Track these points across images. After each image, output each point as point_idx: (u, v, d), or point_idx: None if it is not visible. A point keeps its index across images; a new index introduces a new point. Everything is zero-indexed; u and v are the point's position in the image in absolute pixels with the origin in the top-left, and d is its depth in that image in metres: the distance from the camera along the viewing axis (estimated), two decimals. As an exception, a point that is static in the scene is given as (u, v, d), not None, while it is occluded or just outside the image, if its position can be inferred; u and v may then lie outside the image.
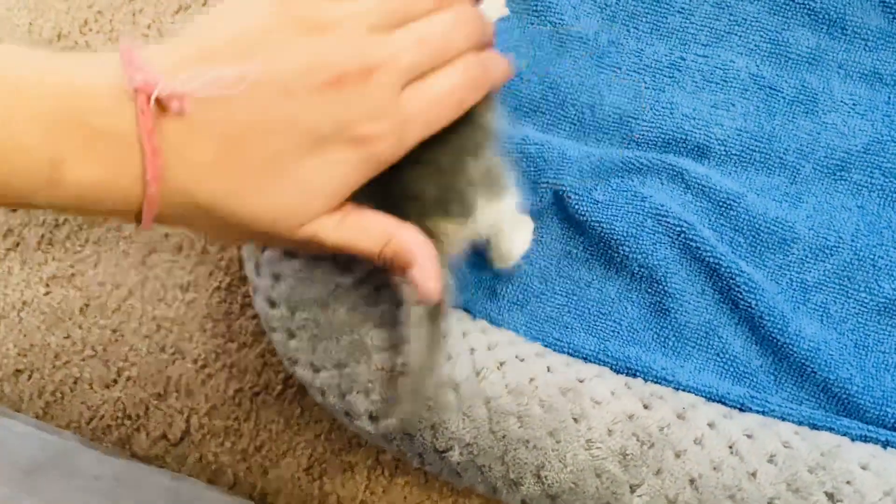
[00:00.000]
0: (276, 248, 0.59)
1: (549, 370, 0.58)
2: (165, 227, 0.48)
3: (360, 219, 0.50)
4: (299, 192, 0.47)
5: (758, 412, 0.61)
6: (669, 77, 0.69)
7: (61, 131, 0.43)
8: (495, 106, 0.56)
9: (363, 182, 0.49)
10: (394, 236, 0.50)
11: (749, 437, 0.56)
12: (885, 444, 0.59)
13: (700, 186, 0.66)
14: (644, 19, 0.70)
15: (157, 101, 0.43)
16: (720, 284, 0.64)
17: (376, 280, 0.59)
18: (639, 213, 0.65)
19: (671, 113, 0.68)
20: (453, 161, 0.54)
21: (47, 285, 0.75)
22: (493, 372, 0.57)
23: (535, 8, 0.71)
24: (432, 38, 0.50)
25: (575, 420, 0.55)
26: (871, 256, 0.65)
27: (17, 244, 0.75)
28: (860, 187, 0.67)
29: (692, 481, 0.54)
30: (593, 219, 0.65)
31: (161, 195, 0.44)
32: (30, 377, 0.73)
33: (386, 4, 0.49)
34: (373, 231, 0.50)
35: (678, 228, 0.65)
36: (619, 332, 0.65)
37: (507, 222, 0.59)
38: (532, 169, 0.66)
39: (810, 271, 0.65)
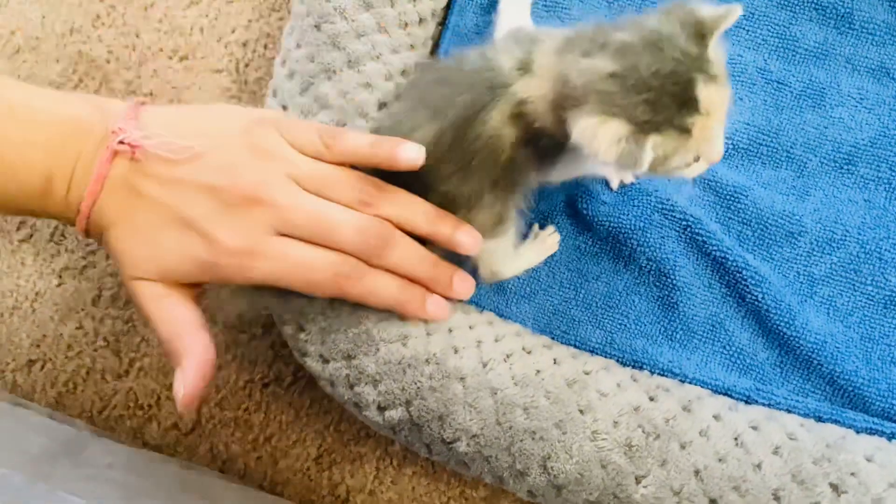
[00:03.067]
0: None
1: (555, 362, 0.59)
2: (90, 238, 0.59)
3: (173, 306, 0.57)
4: (144, 250, 0.56)
5: (763, 404, 0.61)
6: (677, 71, 0.69)
7: (58, 155, 0.55)
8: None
9: (197, 278, 0.57)
10: (179, 338, 0.56)
11: (754, 429, 0.56)
12: (891, 437, 0.59)
13: (706, 180, 0.66)
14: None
15: (122, 143, 0.55)
16: (727, 278, 0.65)
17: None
18: (646, 207, 0.65)
19: (679, 107, 0.69)
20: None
21: (60, 276, 0.75)
22: (500, 364, 0.57)
23: (543, 2, 0.71)
24: (329, 219, 0.56)
25: (581, 412, 0.56)
26: (878, 250, 0.65)
27: (31, 235, 0.76)
28: (867, 181, 0.67)
29: (697, 472, 0.54)
30: (601, 212, 0.65)
31: (90, 210, 0.56)
32: (42, 367, 0.74)
33: (319, 174, 0.57)
34: (171, 322, 0.56)
35: (685, 222, 0.65)
36: (626, 325, 0.65)
37: (493, 252, 0.62)
38: (540, 163, 0.67)
39: (817, 264, 0.65)
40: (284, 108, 0.65)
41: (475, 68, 0.56)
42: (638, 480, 0.54)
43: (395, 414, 0.58)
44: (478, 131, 0.55)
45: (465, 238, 0.58)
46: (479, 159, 0.56)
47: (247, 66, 0.77)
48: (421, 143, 0.56)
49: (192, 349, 0.55)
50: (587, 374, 0.58)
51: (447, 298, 0.60)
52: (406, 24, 0.68)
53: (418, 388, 0.57)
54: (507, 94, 0.55)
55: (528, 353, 0.59)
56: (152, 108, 0.58)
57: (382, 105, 0.65)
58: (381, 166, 0.57)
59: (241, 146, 0.56)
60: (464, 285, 0.60)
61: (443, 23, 0.73)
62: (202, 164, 0.55)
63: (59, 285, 0.75)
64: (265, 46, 0.78)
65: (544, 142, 0.55)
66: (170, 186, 0.55)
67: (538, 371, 0.57)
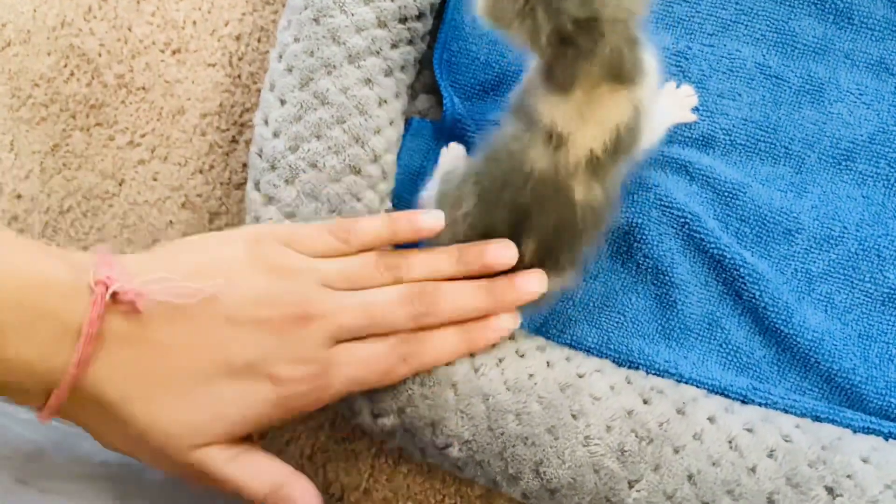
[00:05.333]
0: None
1: (548, 365, 0.58)
2: (64, 418, 0.49)
3: (253, 459, 0.51)
4: (203, 412, 0.48)
5: (760, 404, 0.61)
6: (675, 66, 0.69)
7: (9, 306, 0.45)
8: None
9: (271, 422, 0.51)
10: (285, 485, 0.50)
11: (749, 431, 0.56)
12: (888, 436, 0.59)
13: (704, 177, 0.66)
14: (650, 9, 0.70)
15: (114, 296, 0.46)
16: (724, 275, 0.64)
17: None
18: (644, 204, 0.65)
19: (676, 102, 0.68)
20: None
21: (53, 272, 0.75)
22: (492, 369, 0.57)
23: (540, -3, 0.71)
24: (374, 306, 0.54)
25: (574, 416, 0.55)
26: (876, 246, 0.64)
27: (22, 231, 0.76)
28: (865, 177, 0.66)
29: (690, 477, 0.54)
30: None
31: (78, 382, 0.46)
32: (35, 364, 0.73)
33: (346, 270, 0.55)
34: (265, 475, 0.50)
35: (683, 219, 0.64)
36: (622, 324, 0.65)
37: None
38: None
39: (815, 261, 0.65)
40: (282, 102, 0.64)
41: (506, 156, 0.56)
42: (631, 485, 0.54)
43: (387, 421, 0.57)
44: (576, 215, 0.56)
45: (497, 251, 0.56)
46: (589, 232, 0.57)
47: (240, 59, 0.77)
48: (532, 259, 0.57)
49: (303, 493, 0.51)
50: (580, 377, 0.58)
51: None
52: (405, 19, 0.67)
53: (410, 395, 0.56)
54: (568, 160, 0.54)
55: (521, 356, 0.58)
56: (130, 256, 0.52)
57: (382, 102, 0.65)
58: (406, 241, 0.57)
59: (257, 273, 0.52)
60: (532, 280, 0.57)
61: (439, 17, 0.73)
62: (227, 301, 0.50)
63: (51, 281, 0.75)
64: (259, 40, 0.77)
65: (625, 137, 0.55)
66: (202, 333, 0.49)
67: (531, 375, 0.57)
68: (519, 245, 0.57)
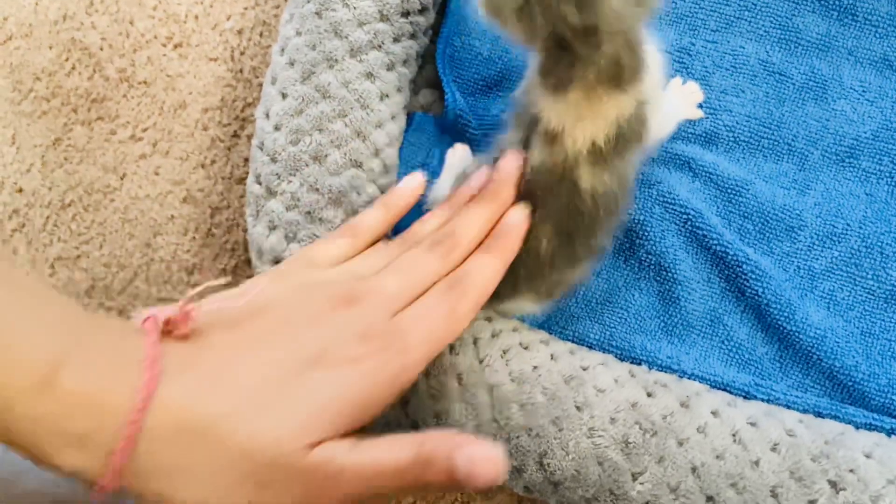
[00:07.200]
0: None
1: (552, 358, 0.58)
2: (134, 483, 0.42)
3: (377, 439, 0.47)
4: (305, 405, 0.45)
5: (763, 400, 0.61)
6: (679, 62, 0.69)
7: (69, 337, 0.43)
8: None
9: (377, 402, 0.49)
10: (427, 437, 0.45)
11: (753, 425, 0.56)
12: (890, 432, 0.59)
13: (707, 174, 0.66)
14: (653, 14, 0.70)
15: (165, 330, 0.45)
16: (727, 272, 0.64)
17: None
18: (647, 200, 0.65)
19: (680, 98, 0.68)
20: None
21: (52, 266, 0.74)
22: (497, 360, 0.57)
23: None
24: (408, 263, 0.55)
25: (578, 408, 0.55)
26: (879, 244, 0.64)
27: (23, 225, 0.75)
28: (868, 174, 0.66)
29: (694, 469, 0.54)
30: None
31: (149, 410, 0.42)
32: (35, 358, 0.73)
33: (366, 259, 0.57)
34: (400, 441, 0.46)
35: (685, 216, 0.64)
36: (625, 320, 0.65)
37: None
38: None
39: (818, 259, 0.65)
40: (284, 95, 0.64)
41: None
42: (634, 477, 0.54)
43: (391, 412, 0.57)
44: (585, 202, 0.55)
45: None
46: (602, 218, 0.57)
47: (242, 54, 0.77)
48: (550, 247, 0.57)
49: (446, 433, 0.46)
50: (584, 369, 0.57)
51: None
52: (408, 13, 0.67)
53: (414, 385, 0.56)
54: (567, 153, 0.54)
55: (526, 349, 0.58)
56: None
57: (384, 96, 0.65)
58: (403, 212, 0.60)
59: (291, 287, 0.53)
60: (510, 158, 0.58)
61: (442, 11, 0.73)
62: (276, 309, 0.50)
63: (51, 275, 0.74)
64: (261, 34, 0.77)
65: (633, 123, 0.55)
66: (265, 335, 0.48)
67: (535, 367, 0.57)
68: (536, 231, 0.56)
